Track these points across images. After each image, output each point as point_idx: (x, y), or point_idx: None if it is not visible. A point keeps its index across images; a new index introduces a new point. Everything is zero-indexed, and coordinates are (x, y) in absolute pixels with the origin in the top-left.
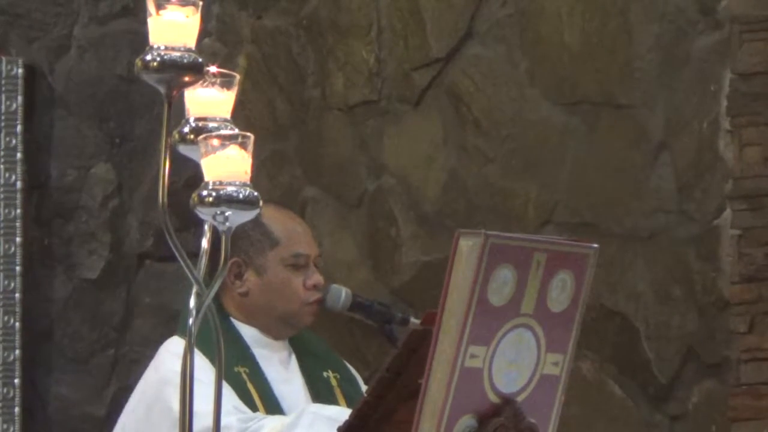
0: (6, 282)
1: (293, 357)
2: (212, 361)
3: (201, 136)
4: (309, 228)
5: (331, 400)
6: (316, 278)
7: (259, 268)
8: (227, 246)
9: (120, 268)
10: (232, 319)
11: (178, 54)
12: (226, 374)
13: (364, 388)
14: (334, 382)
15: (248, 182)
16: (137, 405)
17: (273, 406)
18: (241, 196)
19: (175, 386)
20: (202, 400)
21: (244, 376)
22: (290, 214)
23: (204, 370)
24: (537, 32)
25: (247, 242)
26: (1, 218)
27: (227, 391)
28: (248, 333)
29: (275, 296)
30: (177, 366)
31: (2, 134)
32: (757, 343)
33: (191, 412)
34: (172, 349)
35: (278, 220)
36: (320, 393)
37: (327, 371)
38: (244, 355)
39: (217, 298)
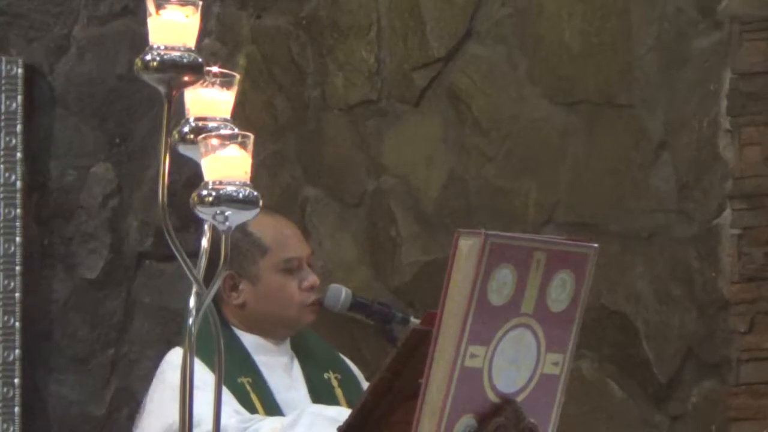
0: (6, 282)
1: (295, 361)
2: (213, 370)
3: (201, 136)
4: (297, 229)
5: (331, 401)
6: (312, 279)
7: (252, 277)
8: (227, 246)
9: (120, 268)
10: (233, 328)
11: (177, 54)
12: (229, 385)
13: (365, 385)
14: (335, 383)
15: (248, 182)
16: (143, 417)
17: (275, 415)
18: (240, 195)
19: (176, 400)
20: (202, 406)
21: (248, 387)
22: (277, 218)
23: (204, 380)
24: (537, 32)
25: (237, 254)
26: (1, 218)
27: (227, 396)
28: (250, 341)
29: (272, 303)
30: (177, 381)
31: (2, 134)
32: (757, 342)
33: (191, 417)
34: (174, 361)
35: (265, 227)
36: (321, 395)
37: (328, 372)
38: (246, 365)
39: (216, 307)
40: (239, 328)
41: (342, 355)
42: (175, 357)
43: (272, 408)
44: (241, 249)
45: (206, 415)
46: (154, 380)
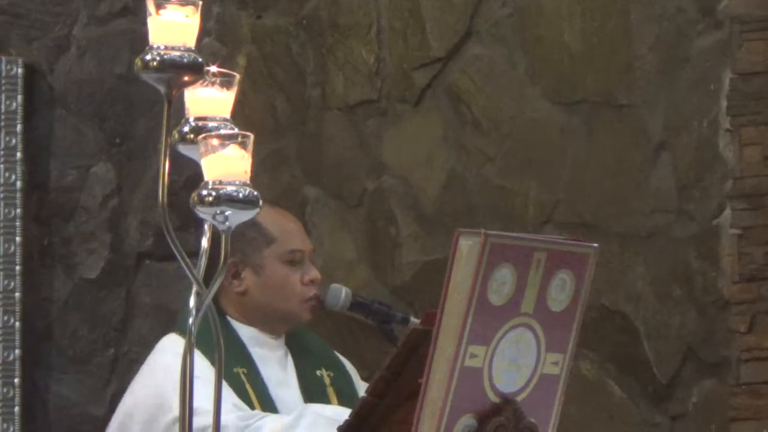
0: (6, 282)
1: (289, 357)
2: (211, 360)
3: (201, 136)
4: (301, 224)
5: (323, 399)
6: (314, 273)
7: (256, 266)
8: (227, 245)
9: (120, 268)
10: (230, 319)
11: (177, 54)
12: (225, 375)
13: (359, 383)
14: (327, 381)
15: (248, 182)
16: (132, 405)
17: (269, 409)
18: (240, 195)
19: (172, 382)
20: (201, 398)
21: (243, 377)
22: (282, 212)
23: (203, 369)
24: (537, 32)
25: (242, 242)
26: (1, 218)
27: (226, 390)
28: (246, 333)
29: (274, 293)
30: (171, 361)
31: (2, 134)
32: (757, 342)
33: (191, 411)
34: (168, 345)
35: (271, 218)
36: (313, 393)
37: (321, 369)
38: (241, 356)
39: (214, 299)
40: (236, 319)
41: (337, 353)
42: (168, 343)
43: (266, 400)
44: (247, 237)
45: (203, 406)
46: (144, 364)
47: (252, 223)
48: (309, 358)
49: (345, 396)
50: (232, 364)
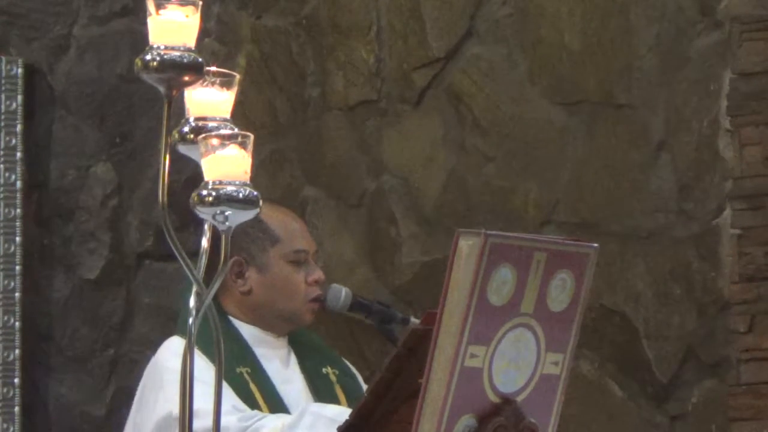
0: (6, 282)
1: (292, 355)
2: (213, 360)
3: (201, 136)
4: (305, 224)
5: (331, 396)
6: (318, 273)
7: (261, 265)
8: (227, 245)
9: (120, 268)
10: (231, 318)
11: (177, 54)
12: (228, 375)
13: (364, 385)
14: (333, 378)
15: (248, 182)
16: (138, 406)
17: (276, 406)
18: (240, 195)
19: (173, 385)
20: (201, 399)
21: (246, 377)
22: (286, 211)
23: (204, 370)
24: (537, 32)
25: (247, 240)
26: (1, 218)
27: (227, 390)
28: (248, 332)
29: (278, 293)
30: (176, 365)
31: (2, 134)
32: (757, 342)
33: (191, 412)
34: (172, 347)
35: (276, 218)
36: (320, 390)
37: (326, 367)
38: (244, 355)
39: (215, 298)
40: (238, 318)
41: (339, 355)
42: (172, 345)
43: (273, 398)
44: (252, 236)
45: (203, 408)
46: (149, 368)
47: (256, 222)
48: (313, 357)
49: (351, 394)
50: (235, 364)
